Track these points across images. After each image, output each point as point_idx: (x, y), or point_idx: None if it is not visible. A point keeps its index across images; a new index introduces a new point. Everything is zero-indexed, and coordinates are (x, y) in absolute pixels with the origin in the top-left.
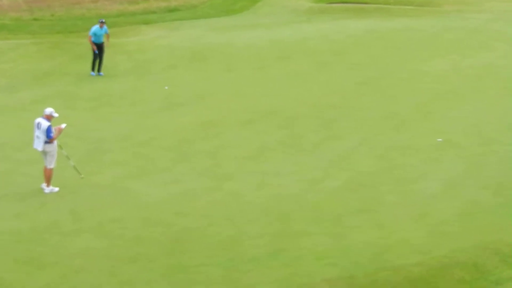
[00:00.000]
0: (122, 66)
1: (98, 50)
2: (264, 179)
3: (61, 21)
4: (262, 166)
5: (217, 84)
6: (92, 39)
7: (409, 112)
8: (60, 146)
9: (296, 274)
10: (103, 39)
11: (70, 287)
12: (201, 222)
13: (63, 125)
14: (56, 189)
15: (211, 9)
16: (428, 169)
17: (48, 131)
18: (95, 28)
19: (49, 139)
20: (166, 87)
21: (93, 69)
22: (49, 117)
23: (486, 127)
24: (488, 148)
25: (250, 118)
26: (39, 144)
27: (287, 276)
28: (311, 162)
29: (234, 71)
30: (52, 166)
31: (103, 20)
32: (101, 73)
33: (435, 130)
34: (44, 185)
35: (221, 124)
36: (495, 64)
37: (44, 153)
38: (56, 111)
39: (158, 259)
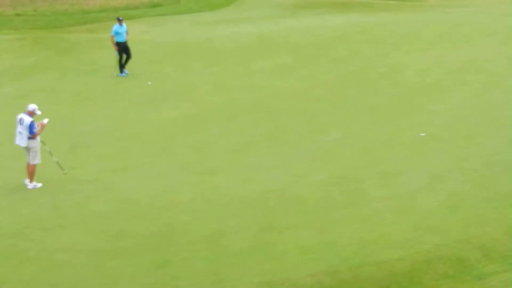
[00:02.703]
0: (105, 61)
1: (124, 49)
2: (248, 173)
3: (44, 16)
4: (246, 160)
5: (200, 78)
6: (116, 38)
7: (392, 106)
8: (42, 142)
9: (280, 269)
10: (126, 37)
11: (53, 282)
12: (185, 217)
13: (46, 120)
14: (39, 184)
15: (194, 4)
16: (412, 163)
17: (31, 126)
18: (116, 26)
19: (32, 135)
20: (149, 83)
21: (121, 69)
22: (31, 113)
23: (470, 120)
24: (472, 141)
25: (234, 112)
26: (22, 140)
27: (271, 271)
28: (295, 155)
29: (218, 65)
30: (35, 162)
31: (121, 18)
32: (123, 73)
33: (419, 123)
34: (27, 180)
35: (205, 118)
36: (478, 58)
37: (27, 149)
38: (39, 106)
39: (142, 253)
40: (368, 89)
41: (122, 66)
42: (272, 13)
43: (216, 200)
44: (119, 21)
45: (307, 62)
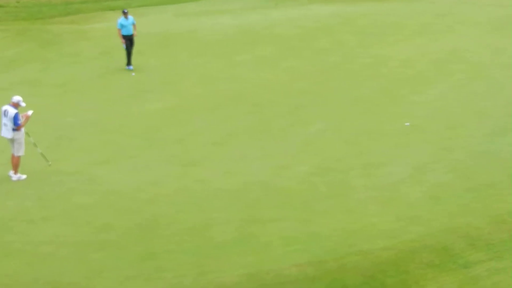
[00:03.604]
0: (89, 53)
1: (129, 42)
2: (232, 165)
3: (27, 7)
4: (230, 152)
5: (184, 70)
6: (122, 32)
7: (376, 97)
8: (27, 134)
9: (265, 260)
10: (133, 30)
11: (37, 275)
12: (169, 209)
13: (30, 112)
14: (24, 176)
15: None
16: (396, 154)
17: (15, 118)
18: (121, 19)
19: (16, 127)
20: (133, 74)
21: (128, 63)
22: (16, 105)
23: (453, 111)
24: (455, 132)
25: (217, 104)
26: (7, 131)
27: (256, 262)
28: (279, 147)
29: (201, 57)
30: (20, 154)
31: (126, 10)
32: (131, 66)
33: (402, 115)
34: (11, 172)
35: (189, 110)
36: (461, 48)
37: (12, 140)
38: (23, 98)
39: (126, 246)
40: (351, 81)
41: (129, 59)
42: (256, 4)
43: (200, 192)
44: (124, 13)
45: (290, 54)
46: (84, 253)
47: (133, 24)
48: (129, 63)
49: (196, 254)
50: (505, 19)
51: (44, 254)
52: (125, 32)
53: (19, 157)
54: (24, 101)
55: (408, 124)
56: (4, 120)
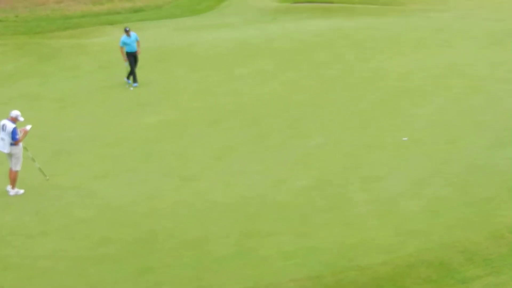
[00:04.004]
0: (87, 67)
1: (133, 59)
2: (230, 179)
3: (26, 22)
4: (228, 166)
5: (182, 84)
6: (126, 49)
7: (374, 110)
8: (25, 148)
9: (263, 274)
10: (136, 47)
11: None
12: (168, 223)
13: (28, 127)
14: (22, 191)
15: (176, 9)
16: (394, 167)
17: (13, 133)
18: (123, 37)
19: (14, 141)
20: (131, 88)
21: (134, 79)
22: (14, 120)
23: (451, 124)
24: (453, 146)
25: (215, 117)
26: (4, 146)
27: (254, 276)
28: (277, 160)
29: (200, 71)
30: (17, 168)
31: (128, 28)
32: (136, 83)
33: (401, 128)
34: (9, 187)
35: (187, 124)
36: (459, 62)
37: (10, 155)
38: (22, 113)
39: (125, 260)
40: (350, 94)
41: (134, 76)
42: (254, 19)
43: (198, 206)
44: (126, 32)
45: (289, 67)
46: (83, 267)
47: (137, 41)
48: (134, 80)
49: (194, 268)
50: (502, 33)
51: (42, 268)
52: (128, 49)
53: (16, 171)
54: (22, 115)
55: (406, 139)
56: (2, 134)
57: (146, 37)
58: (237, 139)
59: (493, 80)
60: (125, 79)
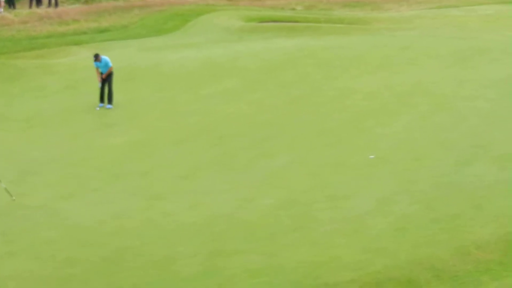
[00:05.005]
0: (53, 87)
1: (104, 82)
2: (197, 198)
3: None
4: (195, 185)
5: (149, 104)
6: (100, 70)
7: (340, 129)
8: None
9: None
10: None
11: None
12: (134, 242)
13: None
14: None
15: (142, 29)
16: (360, 186)
17: None
18: (95, 63)
19: None
20: (97, 108)
21: (101, 99)
22: None
23: (417, 142)
24: (420, 163)
25: (181, 137)
26: None
27: None
28: (244, 180)
29: (166, 90)
30: None
31: (96, 54)
32: (102, 104)
33: (367, 147)
34: None
35: (153, 144)
36: (425, 81)
37: None
38: None
39: (91, 280)
40: (316, 113)
41: (102, 97)
42: (219, 38)
43: (165, 226)
44: (95, 58)
45: (255, 87)
46: None
47: (108, 66)
48: (109, 101)
49: None
50: (467, 51)
51: None
52: (103, 71)
53: None
54: None
55: (372, 157)
56: None
57: (112, 57)
58: (203, 158)
59: (458, 98)
60: (107, 106)
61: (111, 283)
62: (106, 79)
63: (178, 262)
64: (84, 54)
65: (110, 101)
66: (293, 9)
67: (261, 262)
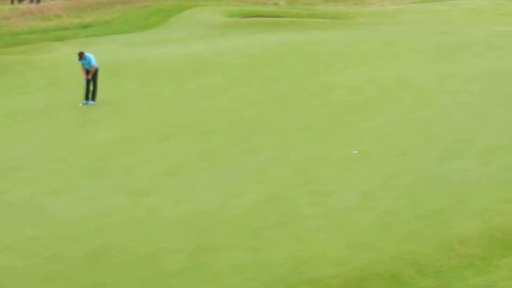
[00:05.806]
0: (36, 83)
1: (92, 78)
2: (181, 194)
3: None
4: (179, 181)
5: (132, 99)
6: (86, 67)
7: (324, 124)
8: None
9: None
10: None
11: None
12: (119, 239)
13: None
14: None
15: (124, 25)
16: (344, 181)
17: None
18: (80, 61)
19: None
20: (80, 104)
21: (86, 97)
22: None
23: (401, 137)
24: (403, 158)
25: (166, 133)
26: None
27: None
28: (228, 176)
29: (149, 86)
30: None
31: (80, 53)
32: (85, 101)
33: (351, 142)
34: None
35: (137, 140)
36: (408, 75)
37: None
38: None
39: (75, 276)
40: (300, 108)
41: (87, 95)
42: (203, 33)
43: (149, 222)
44: (79, 56)
45: (239, 82)
46: (33, 285)
47: (91, 65)
48: (92, 98)
49: (146, 284)
50: (451, 46)
51: None
52: (88, 68)
53: None
54: None
55: (356, 152)
56: None
57: (95, 53)
58: (188, 154)
59: (442, 93)
60: (83, 101)
61: (95, 279)
62: (93, 77)
63: (163, 258)
64: (67, 50)
65: (93, 97)
66: (276, 4)
67: (246, 257)
